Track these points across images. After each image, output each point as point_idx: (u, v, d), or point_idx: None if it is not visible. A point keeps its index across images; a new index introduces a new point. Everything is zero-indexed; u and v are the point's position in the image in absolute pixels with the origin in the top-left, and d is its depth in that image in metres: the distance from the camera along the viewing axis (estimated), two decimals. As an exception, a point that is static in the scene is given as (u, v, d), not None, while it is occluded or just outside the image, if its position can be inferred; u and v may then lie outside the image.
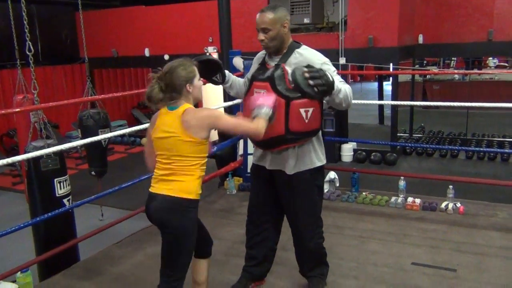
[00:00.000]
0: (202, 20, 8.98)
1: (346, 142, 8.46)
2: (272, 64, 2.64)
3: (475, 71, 11.70)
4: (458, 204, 4.23)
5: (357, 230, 3.92)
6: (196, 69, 2.34)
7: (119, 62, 10.66)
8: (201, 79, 2.40)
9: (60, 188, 3.99)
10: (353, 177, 4.80)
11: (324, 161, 2.75)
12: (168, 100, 2.30)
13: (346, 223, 4.08)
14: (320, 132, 2.72)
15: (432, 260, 3.34)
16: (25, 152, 3.68)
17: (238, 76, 3.08)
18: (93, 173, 6.13)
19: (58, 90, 10.87)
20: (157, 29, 9.75)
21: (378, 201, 4.47)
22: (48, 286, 3.33)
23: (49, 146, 3.79)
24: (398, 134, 9.09)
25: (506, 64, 14.40)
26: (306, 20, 7.90)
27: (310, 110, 2.51)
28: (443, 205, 4.25)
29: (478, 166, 7.99)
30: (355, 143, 8.58)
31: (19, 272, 3.14)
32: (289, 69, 2.50)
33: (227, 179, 4.96)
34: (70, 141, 5.90)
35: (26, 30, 4.19)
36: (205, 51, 8.37)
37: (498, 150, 8.50)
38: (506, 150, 8.29)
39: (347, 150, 8.49)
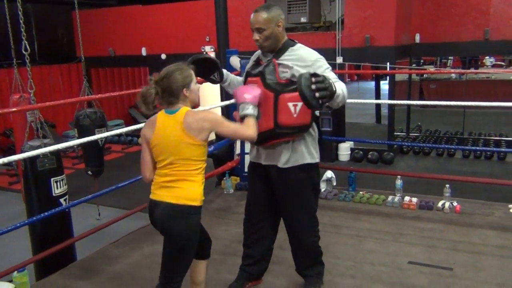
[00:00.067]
0: (199, 19, 8.97)
1: (343, 141, 8.47)
2: (265, 60, 2.67)
3: (472, 70, 11.73)
4: (455, 203, 4.24)
5: (354, 229, 3.93)
6: (193, 73, 2.33)
7: (116, 61, 10.65)
8: (198, 79, 2.40)
9: (57, 188, 3.99)
10: (350, 176, 4.81)
11: (317, 159, 2.74)
12: (165, 104, 2.29)
13: (343, 222, 4.09)
14: (314, 130, 2.72)
15: (429, 259, 3.35)
16: (21, 152, 3.67)
17: (235, 75, 3.09)
18: (89, 172, 6.13)
19: (55, 89, 10.86)
20: (154, 28, 9.74)
21: (375, 200, 4.48)
22: (45, 285, 3.32)
23: (45, 145, 3.78)
24: (395, 133, 9.11)
25: (503, 63, 14.46)
26: (303, 19, 7.91)
27: (299, 104, 2.51)
28: (440, 204, 4.26)
29: (475, 165, 8.02)
30: (352, 142, 8.59)
31: (16, 272, 3.13)
32: (283, 63, 2.54)
33: (224, 178, 4.96)
34: (66, 141, 5.89)
35: (22, 29, 4.18)
36: (202, 50, 8.37)
37: (495, 149, 8.54)
38: (503, 149, 8.34)
39: (344, 149, 8.51)
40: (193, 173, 2.29)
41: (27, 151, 3.45)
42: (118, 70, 12.36)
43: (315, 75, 2.27)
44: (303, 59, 2.54)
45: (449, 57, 14.60)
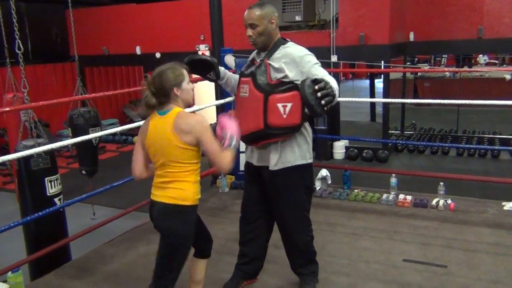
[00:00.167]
0: (193, 17, 8.96)
1: (338, 139, 8.48)
2: (258, 60, 2.68)
3: (466, 68, 11.78)
4: (449, 201, 4.26)
5: (349, 227, 3.94)
6: (185, 72, 2.31)
7: (110, 60, 10.61)
8: (195, 77, 2.38)
9: (51, 187, 3.97)
10: (345, 174, 4.82)
11: (309, 160, 2.73)
12: (159, 105, 2.28)
13: (338, 220, 4.10)
14: (306, 130, 2.71)
15: (423, 257, 3.36)
16: (15, 151, 3.65)
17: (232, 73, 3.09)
18: (83, 172, 6.10)
19: (49, 88, 10.80)
20: (148, 27, 9.71)
21: (369, 198, 4.49)
22: (40, 285, 3.31)
23: (39, 145, 3.77)
24: (389, 132, 9.14)
25: (496, 61, 14.52)
26: (297, 18, 7.91)
27: (289, 105, 2.53)
28: (434, 202, 4.28)
29: (469, 162, 8.05)
30: (347, 141, 8.60)
31: (10, 272, 3.12)
32: (272, 63, 2.56)
33: (220, 177, 4.96)
34: (61, 140, 5.86)
35: (15, 28, 4.16)
36: (197, 49, 8.35)
37: (489, 147, 8.58)
38: (496, 147, 8.37)
39: (339, 148, 8.52)
40: (184, 174, 2.28)
41: (21, 151, 3.43)
42: (112, 69, 12.31)
43: (316, 81, 2.27)
44: (291, 55, 2.56)
45: (443, 55, 14.65)
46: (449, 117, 9.94)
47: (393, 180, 4.54)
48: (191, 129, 2.21)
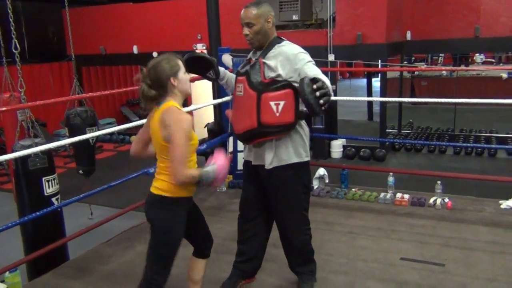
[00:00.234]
0: (190, 17, 8.94)
1: (336, 138, 8.48)
2: (254, 59, 2.70)
3: (463, 67, 11.80)
4: (446, 199, 4.27)
5: (346, 226, 3.95)
6: (180, 62, 2.30)
7: (107, 60, 10.58)
8: (195, 76, 2.38)
9: (49, 187, 3.96)
10: (342, 173, 4.83)
11: (305, 158, 2.73)
12: (158, 97, 2.27)
13: (335, 219, 4.10)
14: (302, 128, 2.71)
15: (421, 255, 3.37)
16: (12, 151, 3.64)
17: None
18: (80, 172, 6.09)
19: (46, 88, 10.76)
20: (146, 26, 9.69)
21: (367, 197, 4.50)
22: (37, 285, 3.30)
23: (36, 144, 3.76)
24: (387, 130, 9.14)
25: (493, 60, 14.55)
26: (294, 17, 7.90)
27: (281, 103, 2.54)
28: (431, 200, 4.29)
29: (466, 161, 8.06)
30: (344, 140, 8.61)
31: (8, 272, 3.12)
32: (267, 62, 2.57)
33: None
34: (58, 140, 5.85)
35: (12, 28, 4.15)
36: (194, 48, 8.34)
37: (486, 145, 8.58)
38: (493, 146, 8.38)
39: (337, 147, 8.52)
40: (167, 168, 2.26)
41: (18, 151, 3.43)
42: (110, 69, 12.27)
43: (314, 80, 2.28)
44: (285, 53, 2.58)
45: (440, 55, 14.68)
46: (446, 116, 9.96)
47: (391, 179, 4.55)
48: (167, 125, 2.18)
